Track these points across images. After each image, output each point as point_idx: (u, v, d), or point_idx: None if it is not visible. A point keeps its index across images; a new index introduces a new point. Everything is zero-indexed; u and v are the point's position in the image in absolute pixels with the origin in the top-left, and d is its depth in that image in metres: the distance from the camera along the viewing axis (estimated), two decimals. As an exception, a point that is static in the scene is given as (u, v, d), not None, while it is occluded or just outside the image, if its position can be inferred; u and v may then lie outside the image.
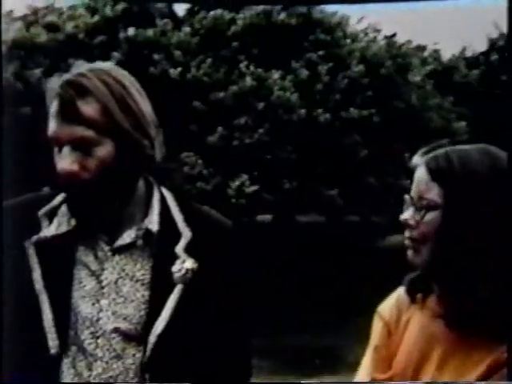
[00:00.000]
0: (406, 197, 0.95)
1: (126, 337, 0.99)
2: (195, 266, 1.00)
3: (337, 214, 9.46)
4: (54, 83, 0.98)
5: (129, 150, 0.97)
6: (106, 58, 8.44)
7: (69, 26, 8.75)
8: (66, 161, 0.95)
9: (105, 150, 0.96)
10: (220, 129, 8.40)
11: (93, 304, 0.99)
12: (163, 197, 1.05)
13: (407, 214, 0.94)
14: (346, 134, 8.84)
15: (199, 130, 8.43)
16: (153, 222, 1.02)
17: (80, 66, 0.99)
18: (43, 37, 8.55)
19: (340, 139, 8.82)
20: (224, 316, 1.02)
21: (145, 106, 1.00)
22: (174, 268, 1.00)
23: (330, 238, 9.44)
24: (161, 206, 1.03)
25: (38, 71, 8.13)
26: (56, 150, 0.97)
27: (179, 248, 1.01)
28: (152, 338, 0.97)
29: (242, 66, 8.73)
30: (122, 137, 0.97)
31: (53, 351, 0.96)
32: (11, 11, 8.99)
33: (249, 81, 8.64)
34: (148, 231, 1.01)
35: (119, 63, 8.26)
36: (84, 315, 0.99)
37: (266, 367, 5.73)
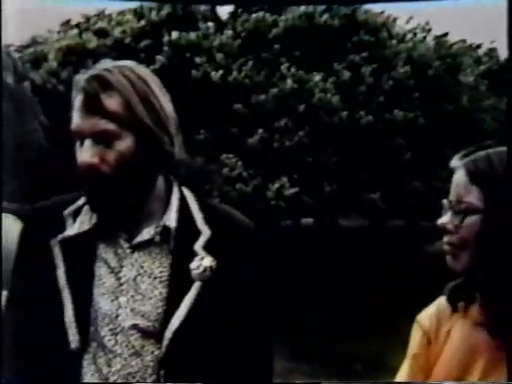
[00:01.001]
0: (445, 201, 0.93)
1: (145, 334, 0.99)
2: (213, 263, 1.01)
3: (380, 217, 9.30)
4: (80, 78, 1.02)
5: (149, 145, 0.99)
6: (151, 62, 8.60)
7: (117, 31, 9.01)
8: (86, 153, 0.97)
9: (125, 144, 0.98)
10: (260, 131, 8.42)
11: (112, 301, 1.01)
12: (183, 195, 1.06)
13: (445, 219, 0.92)
14: (389, 136, 8.69)
15: (239, 132, 8.49)
16: (171, 219, 1.03)
17: (105, 63, 1.03)
18: (93, 43, 8.86)
19: (383, 142, 8.68)
20: (241, 315, 1.01)
21: (166, 103, 1.02)
22: (192, 265, 1.00)
23: (374, 243, 9.29)
24: (180, 203, 1.04)
25: None
26: (78, 143, 1.00)
27: (198, 245, 1.02)
28: (168, 335, 0.97)
29: (283, 68, 8.73)
30: (143, 132, 0.98)
31: (73, 346, 0.97)
32: (69, 20, 9.40)
33: (290, 83, 8.62)
34: (166, 228, 1.02)
35: (163, 67, 8.46)
36: (103, 312, 1.00)
37: (306, 372, 5.68)
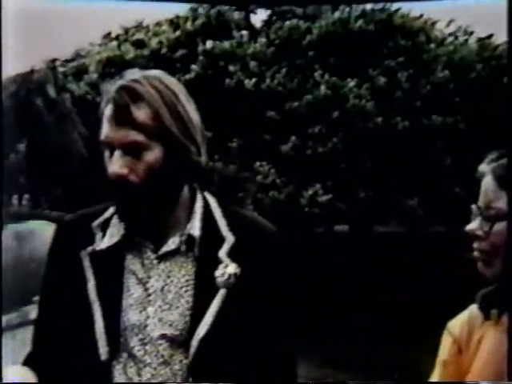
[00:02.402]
0: (474, 206, 0.93)
1: (173, 343, 1.01)
2: (238, 270, 1.02)
3: (418, 224, 9.24)
4: (109, 88, 1.02)
5: (176, 155, 1.00)
6: (186, 71, 8.86)
7: (153, 42, 9.36)
8: (116, 164, 0.98)
9: (154, 154, 0.99)
10: (293, 138, 8.50)
11: (140, 311, 1.02)
12: (206, 202, 1.07)
13: (474, 225, 0.91)
14: (427, 141, 8.65)
15: (273, 139, 8.57)
16: (195, 228, 1.03)
17: (133, 73, 1.03)
18: (131, 54, 9.23)
19: (420, 147, 8.64)
20: (266, 321, 1.03)
21: (193, 113, 1.02)
22: (217, 273, 1.02)
23: (411, 249, 9.24)
24: (203, 211, 1.05)
25: None
26: (107, 153, 1.01)
27: (222, 252, 1.03)
28: (195, 343, 0.99)
29: (317, 74, 8.77)
30: (171, 142, 0.99)
31: (103, 358, 1.00)
32: (109, 33, 9.88)
33: (323, 90, 8.65)
34: (190, 237, 1.03)
35: (197, 76, 8.71)
36: (132, 322, 1.02)
37: (343, 379, 5.77)
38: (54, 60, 8.26)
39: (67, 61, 9.46)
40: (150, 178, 0.99)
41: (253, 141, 8.34)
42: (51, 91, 6.87)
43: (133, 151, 0.99)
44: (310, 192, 8.43)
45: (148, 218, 1.01)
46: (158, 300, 1.03)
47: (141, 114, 0.98)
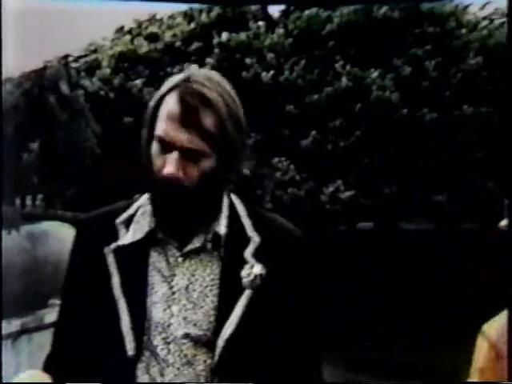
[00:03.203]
0: (506, 202, 0.93)
1: (197, 343, 1.03)
2: (263, 271, 1.04)
3: (447, 221, 9.12)
4: (175, 83, 1.03)
5: (229, 163, 1.04)
6: (201, 65, 8.86)
7: (167, 35, 9.43)
8: (172, 165, 1.00)
9: (209, 162, 1.02)
10: (313, 132, 8.46)
11: (164, 310, 1.04)
12: (232, 202, 1.09)
13: (506, 221, 0.91)
14: (457, 134, 8.50)
15: (292, 134, 8.56)
16: (221, 226, 1.06)
17: (194, 71, 1.05)
18: (145, 48, 9.30)
19: (449, 140, 8.51)
20: (291, 323, 1.05)
21: (244, 119, 1.06)
22: (243, 273, 1.04)
23: (440, 248, 9.13)
24: (229, 210, 1.08)
25: (139, 82, 8.80)
26: (157, 148, 1.03)
27: (248, 253, 1.05)
28: (220, 343, 1.01)
29: (338, 66, 8.69)
30: (229, 151, 1.02)
31: (130, 353, 1.02)
32: (122, 27, 9.96)
33: (345, 81, 8.58)
34: (216, 234, 1.06)
35: (213, 69, 8.72)
36: (156, 321, 1.04)
37: (364, 381, 5.77)
38: (66, 56, 8.38)
39: (80, 56, 9.58)
40: (201, 184, 1.02)
41: (271, 136, 8.33)
42: (64, 88, 6.97)
43: (192, 156, 1.01)
44: (332, 188, 8.40)
45: (180, 217, 1.03)
46: (182, 298, 1.05)
47: (208, 120, 1.01)
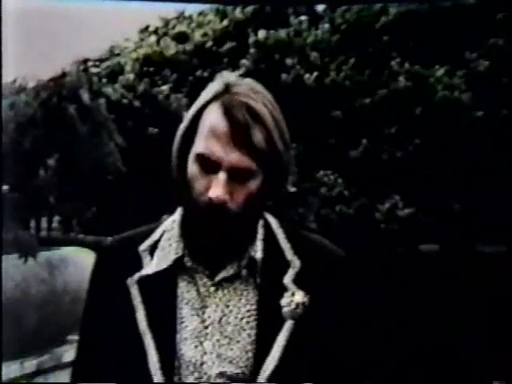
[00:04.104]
0: None
1: (233, 382, 1.05)
2: (306, 299, 1.06)
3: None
4: (214, 94, 1.05)
5: (276, 180, 1.06)
6: (235, 67, 8.91)
7: (197, 35, 9.66)
8: (219, 188, 1.02)
9: (256, 182, 1.04)
10: (364, 141, 8.51)
11: (196, 346, 1.05)
12: (267, 223, 1.11)
13: None
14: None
15: (339, 143, 8.62)
16: (256, 250, 1.07)
17: (231, 79, 1.06)
18: (172, 49, 9.51)
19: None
20: (338, 356, 1.07)
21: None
22: (283, 302, 1.06)
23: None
24: (265, 232, 1.10)
25: (166, 88, 9.02)
26: (198, 167, 1.04)
27: (288, 279, 1.06)
28: (261, 381, 1.03)
29: (394, 63, 8.74)
30: (276, 167, 1.05)
31: None
32: (147, 26, 10.25)
33: (402, 81, 8.61)
34: (252, 259, 1.07)
35: (248, 72, 8.82)
36: (187, 359, 1.05)
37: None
38: (85, 60, 8.64)
39: (100, 60, 9.86)
40: (246, 207, 1.04)
41: (315, 146, 8.38)
42: (85, 97, 7.14)
43: (240, 177, 1.03)
44: (387, 205, 8.39)
45: (213, 242, 1.05)
46: (215, 333, 1.06)
47: (258, 136, 1.02)
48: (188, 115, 1.07)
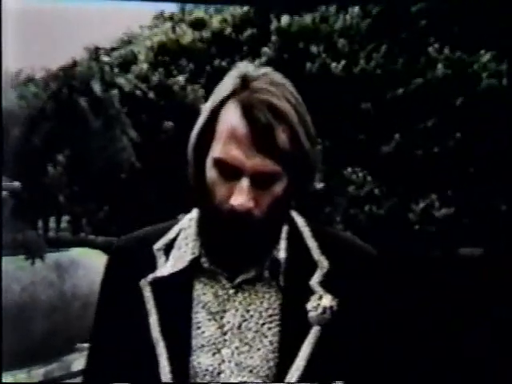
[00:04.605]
0: None
1: None
2: (334, 303, 1.06)
3: None
4: (231, 90, 1.04)
5: (302, 181, 1.07)
6: (256, 56, 8.85)
7: (215, 21, 9.73)
8: (243, 195, 1.02)
9: (281, 185, 1.04)
10: (397, 136, 8.48)
11: (213, 354, 1.06)
12: (292, 220, 1.11)
13: None
14: None
15: (369, 138, 8.60)
16: (280, 250, 1.08)
17: (248, 70, 1.06)
18: (188, 37, 9.54)
19: None
20: (368, 365, 1.07)
21: None
22: (309, 306, 1.05)
23: None
24: (290, 230, 1.10)
25: (181, 78, 9.10)
26: (218, 173, 1.04)
27: (314, 281, 1.06)
28: None
29: (432, 50, 8.67)
30: (302, 167, 1.05)
31: None
32: (162, 12, 10.35)
33: (441, 69, 8.54)
34: (275, 260, 1.07)
35: (270, 61, 8.78)
36: (204, 368, 1.05)
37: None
38: (97, 49, 8.74)
39: (112, 49, 9.99)
40: (271, 211, 1.04)
41: (343, 141, 8.36)
42: (97, 88, 7.18)
43: (264, 182, 1.03)
44: (422, 205, 8.33)
45: (234, 243, 1.05)
46: (234, 340, 1.06)
47: (282, 137, 1.02)
48: (203, 115, 1.07)
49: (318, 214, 7.61)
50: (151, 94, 8.81)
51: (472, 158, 8.44)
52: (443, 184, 8.44)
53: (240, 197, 1.03)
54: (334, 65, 8.88)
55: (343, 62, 8.87)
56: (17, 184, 5.74)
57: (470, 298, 8.44)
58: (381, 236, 7.52)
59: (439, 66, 8.60)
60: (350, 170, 8.52)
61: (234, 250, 1.06)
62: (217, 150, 1.04)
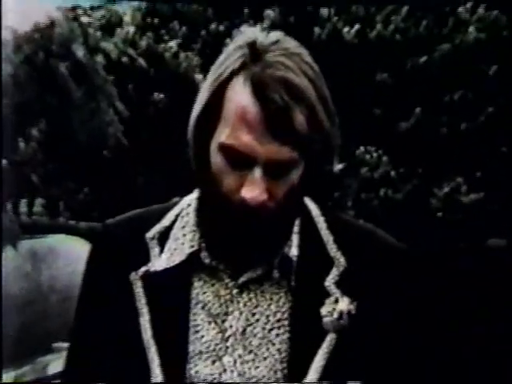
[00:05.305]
0: None
1: None
2: (352, 307, 1.05)
3: None
4: (239, 64, 1.02)
5: (321, 165, 1.06)
6: (257, 19, 8.66)
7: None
8: (257, 187, 1.00)
9: (297, 172, 1.03)
10: (418, 110, 8.43)
11: (213, 362, 1.05)
12: (306, 210, 1.11)
13: None
14: None
15: (385, 113, 8.57)
16: (291, 245, 1.07)
17: (258, 37, 1.03)
18: (182, -5, 9.59)
19: None
20: (391, 377, 1.07)
21: None
22: (324, 310, 1.05)
23: None
24: (302, 222, 1.09)
25: (173, 44, 9.04)
26: (225, 161, 1.02)
27: (330, 281, 1.06)
28: None
29: (462, 10, 8.54)
30: (322, 150, 1.04)
31: None
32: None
33: (473, 33, 8.46)
34: (286, 257, 1.07)
35: (273, 25, 8.70)
36: (202, 377, 1.05)
37: None
38: (74, 8, 8.65)
39: (92, 8, 9.91)
40: (285, 202, 1.04)
41: (355, 116, 8.28)
42: (80, 52, 7.09)
43: (279, 170, 1.02)
44: (446, 189, 8.34)
45: (240, 237, 1.04)
46: (237, 347, 1.06)
47: (299, 119, 1.00)
48: (205, 91, 1.04)
49: (327, 199, 7.59)
50: (139, 62, 8.79)
51: (505, 135, 8.42)
52: (471, 165, 8.44)
53: (252, 189, 1.01)
54: (346, 30, 8.86)
55: (357, 27, 8.83)
56: (4, 162, 5.67)
57: (500, 296, 8.50)
58: (397, 224, 7.51)
59: (470, 29, 8.53)
60: (362, 149, 8.51)
61: (240, 245, 1.05)
62: (224, 135, 1.02)
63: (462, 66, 8.46)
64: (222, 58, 1.05)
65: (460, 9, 8.63)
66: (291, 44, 1.05)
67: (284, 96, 0.99)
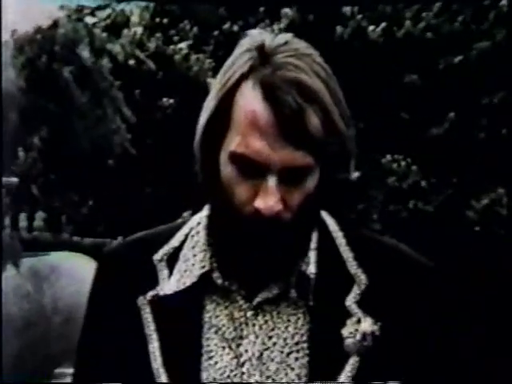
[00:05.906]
0: None
1: None
2: (376, 327, 1.08)
3: None
4: (248, 67, 1.05)
5: (337, 171, 1.09)
6: (275, 18, 8.75)
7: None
8: (272, 196, 1.03)
9: (313, 179, 1.07)
10: (452, 115, 8.40)
11: None
12: (323, 224, 1.14)
13: None
14: None
15: (415, 117, 8.56)
16: (309, 263, 1.10)
17: (266, 40, 1.07)
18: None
19: None
20: None
21: None
22: (345, 331, 1.08)
23: None
24: (320, 238, 1.12)
25: (184, 45, 9.14)
26: (237, 170, 1.06)
27: (351, 300, 1.09)
28: None
29: (504, 3, 8.50)
30: (337, 155, 1.07)
31: None
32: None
33: None
34: (303, 275, 1.09)
35: (292, 24, 8.75)
36: None
37: None
38: (80, 8, 8.78)
39: (98, 8, 10.08)
40: (301, 212, 1.07)
41: (381, 122, 8.30)
42: (86, 55, 7.15)
43: (294, 177, 1.05)
44: (486, 201, 8.31)
45: (254, 255, 1.07)
46: (254, 373, 1.10)
47: (314, 122, 1.03)
48: (212, 99, 1.08)
49: (349, 212, 7.63)
50: (147, 64, 8.90)
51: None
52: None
53: (267, 198, 1.04)
54: (371, 28, 8.87)
55: (383, 25, 8.84)
56: (14, 180, 5.71)
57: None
58: (428, 239, 7.54)
59: (512, 25, 8.50)
60: (389, 157, 8.53)
61: (253, 262, 1.07)
62: (234, 143, 1.05)
63: (502, 66, 8.48)
64: (228, 62, 1.09)
65: (502, 1, 8.68)
66: (301, 45, 1.09)
67: (297, 98, 1.02)
